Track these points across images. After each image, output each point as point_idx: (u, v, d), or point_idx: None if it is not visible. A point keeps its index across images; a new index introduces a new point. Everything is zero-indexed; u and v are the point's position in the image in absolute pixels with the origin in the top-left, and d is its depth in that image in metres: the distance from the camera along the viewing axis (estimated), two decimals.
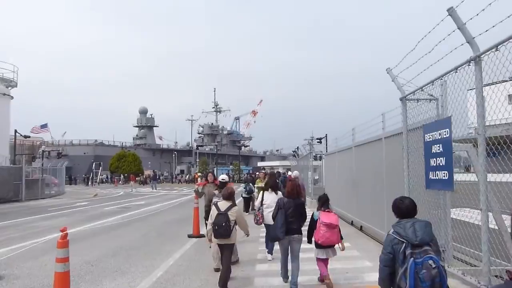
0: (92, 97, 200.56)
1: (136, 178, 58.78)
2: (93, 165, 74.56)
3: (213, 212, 6.41)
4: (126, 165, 71.30)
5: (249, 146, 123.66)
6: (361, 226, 12.03)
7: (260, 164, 74.24)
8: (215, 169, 62.76)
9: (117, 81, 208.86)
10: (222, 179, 8.79)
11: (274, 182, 8.07)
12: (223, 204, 6.44)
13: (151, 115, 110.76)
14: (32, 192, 27.30)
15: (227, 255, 6.38)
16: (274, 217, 6.24)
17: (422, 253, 3.26)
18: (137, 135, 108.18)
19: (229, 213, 6.27)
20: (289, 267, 6.37)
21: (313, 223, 6.38)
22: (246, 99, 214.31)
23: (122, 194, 35.66)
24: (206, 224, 8.86)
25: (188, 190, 41.67)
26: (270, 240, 7.61)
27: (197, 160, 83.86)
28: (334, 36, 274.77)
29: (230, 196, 6.63)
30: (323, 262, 6.42)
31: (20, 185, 26.03)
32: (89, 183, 62.64)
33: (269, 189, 7.84)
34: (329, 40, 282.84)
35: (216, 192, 8.54)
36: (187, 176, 72.49)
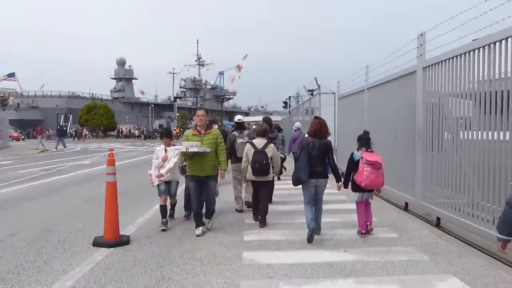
0: (68, 48, 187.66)
1: (46, 132, 50.12)
2: (62, 118, 68.36)
3: (249, 150, 6.44)
4: (97, 118, 64.32)
5: (232, 98, 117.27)
6: (438, 219, 6.30)
7: (244, 119, 68.18)
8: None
9: (94, 32, 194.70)
10: (239, 119, 8.06)
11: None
12: (260, 141, 6.51)
13: (130, 66, 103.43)
14: None
15: (266, 190, 6.64)
16: (297, 158, 5.92)
17: None
18: (114, 88, 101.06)
19: (266, 150, 6.34)
20: None
21: (353, 164, 5.83)
22: (230, 54, 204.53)
23: (78, 150, 29.51)
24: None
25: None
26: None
27: (177, 114, 77.28)
28: None
29: (265, 133, 6.67)
30: (365, 207, 5.82)
31: None
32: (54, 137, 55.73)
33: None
34: None
35: (236, 133, 7.70)
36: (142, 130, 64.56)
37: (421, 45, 6.93)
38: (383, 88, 9.04)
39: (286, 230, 6.07)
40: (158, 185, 6.24)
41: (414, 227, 6.27)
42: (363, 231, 5.71)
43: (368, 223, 5.85)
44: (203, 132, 5.93)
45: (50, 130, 57.56)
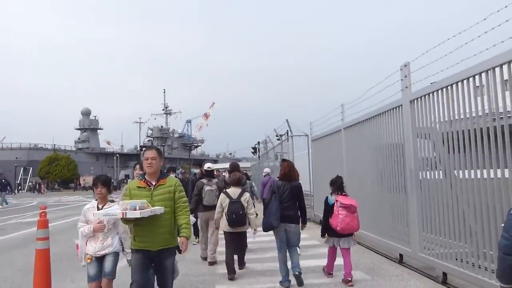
0: (30, 99, 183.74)
1: None
2: (21, 171, 65.17)
3: (224, 200, 6.22)
4: (59, 169, 61.50)
5: (200, 146, 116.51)
6: (445, 275, 5.34)
7: (214, 167, 67.01)
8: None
9: (58, 82, 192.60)
10: (208, 167, 7.65)
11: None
12: (234, 191, 6.29)
13: (95, 117, 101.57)
14: None
15: (242, 241, 6.53)
16: (267, 203, 5.57)
17: None
18: (79, 138, 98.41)
19: (241, 199, 6.15)
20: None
21: (328, 208, 5.69)
22: (198, 102, 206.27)
23: (34, 204, 27.34)
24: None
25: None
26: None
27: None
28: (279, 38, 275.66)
29: (239, 182, 6.44)
30: (344, 255, 5.51)
31: None
32: (13, 191, 51.95)
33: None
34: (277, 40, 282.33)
35: (205, 181, 7.31)
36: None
37: (405, 76, 6.28)
38: (363, 126, 8.33)
39: None
40: (89, 263, 4.20)
41: (417, 286, 5.28)
42: (331, 272, 5.76)
43: (346, 273, 5.46)
44: (153, 184, 3.83)
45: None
